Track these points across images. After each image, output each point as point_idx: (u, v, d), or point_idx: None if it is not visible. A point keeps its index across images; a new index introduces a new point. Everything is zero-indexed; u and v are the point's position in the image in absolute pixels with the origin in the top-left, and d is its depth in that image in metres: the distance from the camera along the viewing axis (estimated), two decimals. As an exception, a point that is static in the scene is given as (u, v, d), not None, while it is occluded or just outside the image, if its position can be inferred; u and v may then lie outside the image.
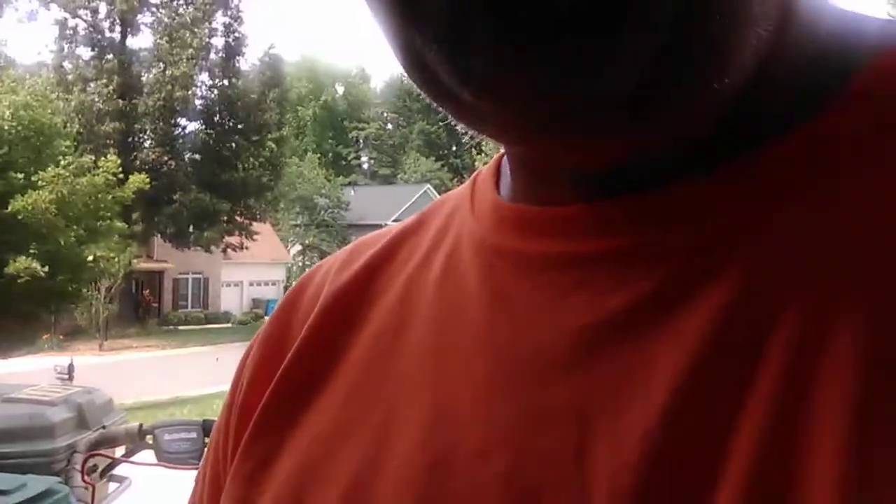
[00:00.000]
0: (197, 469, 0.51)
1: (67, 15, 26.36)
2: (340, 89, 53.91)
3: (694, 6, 0.28)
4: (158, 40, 26.28)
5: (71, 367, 7.22)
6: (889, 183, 0.31)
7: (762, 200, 0.32)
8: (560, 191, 0.36)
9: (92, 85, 25.27)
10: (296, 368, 0.43)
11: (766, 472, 0.28)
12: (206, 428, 2.66)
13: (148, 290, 27.27)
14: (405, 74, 0.33)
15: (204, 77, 27.37)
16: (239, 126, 27.19)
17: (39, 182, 17.90)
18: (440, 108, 0.33)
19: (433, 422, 0.36)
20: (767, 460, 0.28)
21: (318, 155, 41.95)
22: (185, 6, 26.88)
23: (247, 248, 27.89)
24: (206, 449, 0.51)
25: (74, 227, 18.37)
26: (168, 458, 2.61)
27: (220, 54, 27.44)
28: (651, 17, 0.27)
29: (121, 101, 24.83)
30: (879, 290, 0.29)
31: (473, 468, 0.34)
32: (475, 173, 0.45)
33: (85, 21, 26.51)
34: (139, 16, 26.93)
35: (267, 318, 0.48)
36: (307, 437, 0.40)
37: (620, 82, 0.28)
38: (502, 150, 0.43)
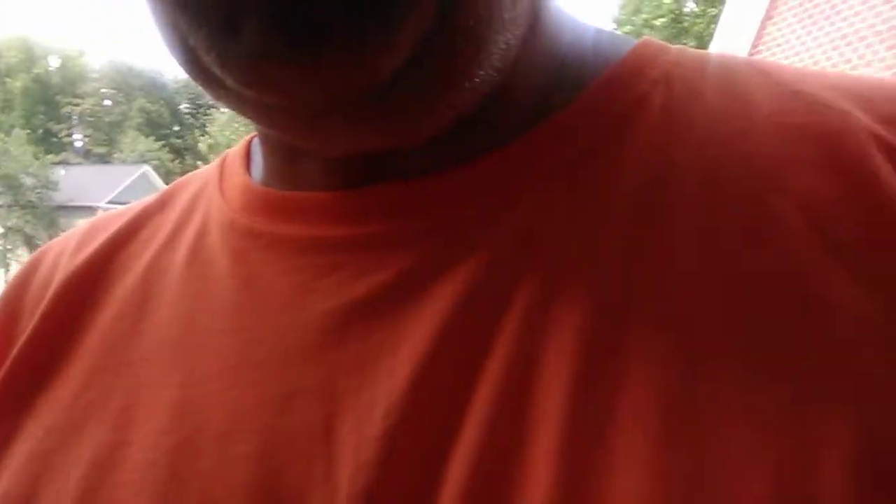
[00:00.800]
0: None
1: None
2: (56, 62, 49.95)
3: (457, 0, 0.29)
4: None
5: None
6: (607, 182, 0.33)
7: (505, 191, 0.34)
8: (312, 177, 0.37)
9: None
10: (29, 354, 0.40)
11: (497, 437, 0.30)
12: None
13: None
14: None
15: None
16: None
17: None
18: (203, 89, 0.32)
19: (178, 405, 0.35)
20: (498, 426, 0.30)
21: (27, 131, 38.60)
22: None
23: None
24: None
25: None
26: None
27: None
28: (422, 7, 0.28)
29: None
30: (599, 275, 0.31)
31: (219, 450, 0.33)
32: (224, 153, 0.45)
33: None
34: None
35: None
36: (42, 425, 0.38)
37: (386, 72, 0.29)
38: (252, 133, 0.44)
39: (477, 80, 0.31)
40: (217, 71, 0.29)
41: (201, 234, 0.41)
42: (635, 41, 0.38)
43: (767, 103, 0.35)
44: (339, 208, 0.36)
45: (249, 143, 0.44)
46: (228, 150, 0.45)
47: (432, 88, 0.30)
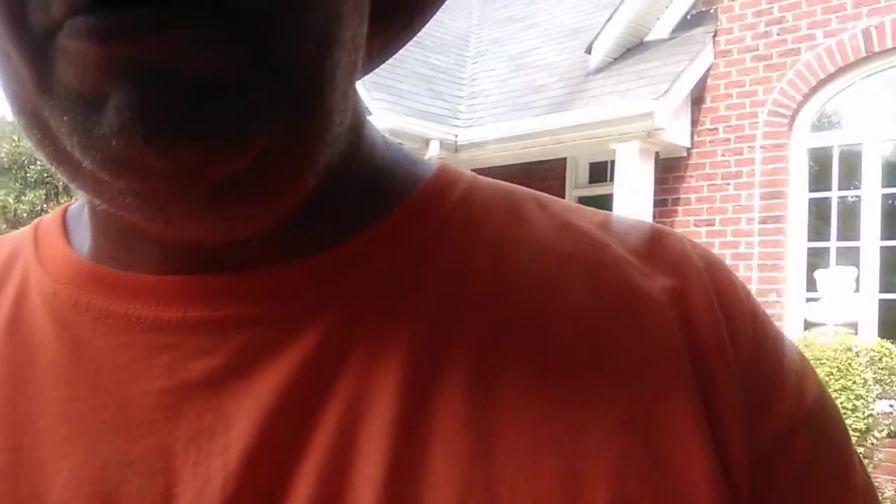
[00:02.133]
0: None
1: None
2: None
3: (301, 102, 0.33)
4: None
5: None
6: (416, 285, 0.39)
7: (330, 287, 0.38)
8: (145, 261, 0.39)
9: None
10: None
11: (324, 493, 0.34)
12: None
13: None
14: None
15: None
16: None
17: None
18: (58, 171, 0.34)
19: (10, 468, 0.36)
20: (326, 486, 0.34)
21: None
22: None
23: None
24: None
25: None
26: None
27: None
28: (271, 119, 0.32)
29: None
30: (406, 369, 0.36)
31: None
32: (36, 221, 0.46)
33: None
34: None
35: None
36: None
37: (231, 171, 0.32)
38: (65, 204, 0.46)
39: (305, 187, 0.36)
40: (77, 153, 0.31)
41: (18, 302, 0.41)
42: (435, 164, 0.45)
43: (544, 232, 0.43)
44: (171, 292, 0.38)
45: (64, 213, 0.45)
46: (40, 219, 0.46)
47: (268, 190, 0.34)
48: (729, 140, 6.43)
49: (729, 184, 6.40)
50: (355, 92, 0.40)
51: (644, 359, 0.38)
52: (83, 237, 0.42)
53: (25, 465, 0.36)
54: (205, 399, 0.36)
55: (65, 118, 0.31)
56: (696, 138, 6.58)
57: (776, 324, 0.45)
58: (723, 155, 6.45)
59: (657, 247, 0.43)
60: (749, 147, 6.33)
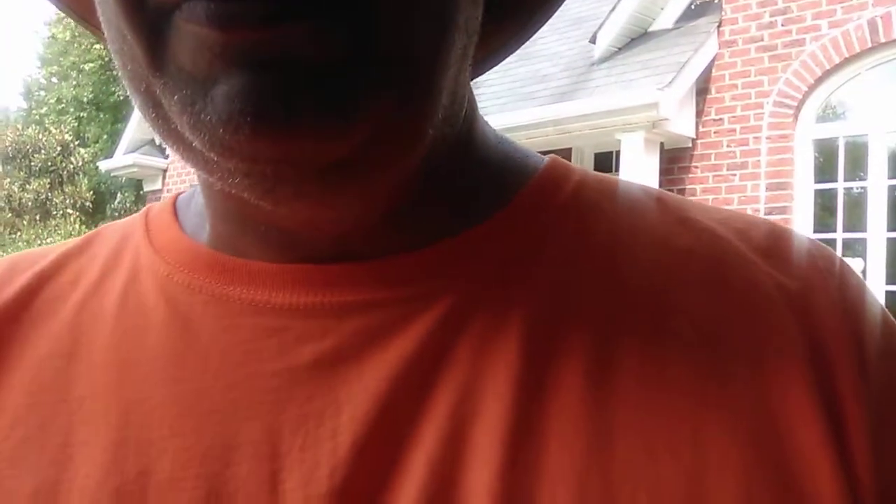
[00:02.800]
0: None
1: None
2: None
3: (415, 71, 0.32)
4: None
5: None
6: (527, 278, 0.38)
7: (441, 279, 0.38)
8: (259, 249, 0.40)
9: None
10: None
11: (436, 485, 0.34)
12: None
13: None
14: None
15: None
16: None
17: None
18: (170, 148, 0.35)
19: (119, 447, 0.37)
20: (437, 475, 0.34)
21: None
22: None
23: None
24: None
25: None
26: None
27: None
28: (382, 98, 0.31)
29: None
30: (520, 355, 0.36)
31: (167, 495, 0.35)
32: (146, 208, 0.47)
33: None
34: None
35: None
36: None
37: (340, 154, 0.32)
38: (175, 192, 0.47)
39: (411, 169, 0.36)
40: (186, 133, 0.32)
41: (131, 283, 0.42)
42: (546, 157, 0.44)
43: (661, 225, 0.42)
44: (285, 278, 0.38)
45: (174, 201, 0.46)
46: (150, 206, 0.47)
47: (374, 171, 0.34)
48: (734, 131, 6.41)
49: (734, 174, 6.38)
50: (468, 83, 0.40)
51: (767, 364, 0.37)
52: (197, 224, 0.43)
53: (133, 443, 0.37)
54: (314, 383, 0.36)
55: (175, 97, 0.31)
56: (701, 129, 6.55)
57: None
58: (728, 146, 6.43)
59: (782, 246, 0.41)
60: (755, 138, 6.30)
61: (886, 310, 0.41)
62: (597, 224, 0.41)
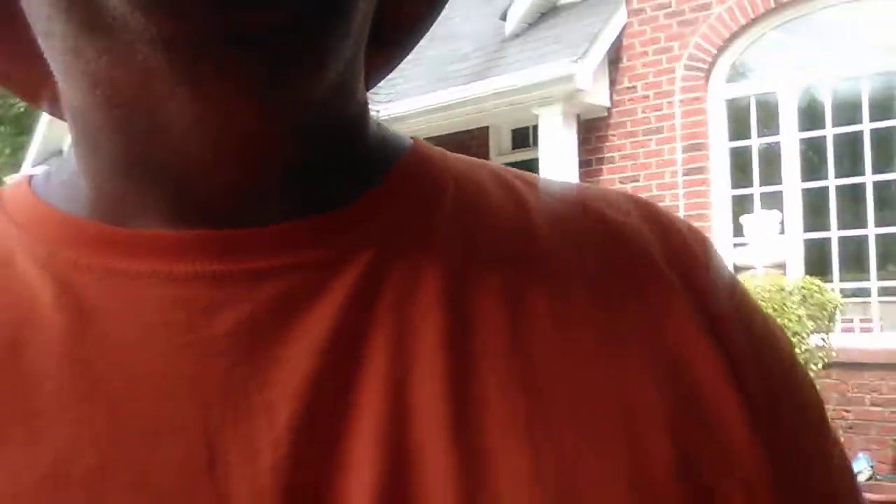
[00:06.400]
0: None
1: None
2: None
3: None
4: None
5: None
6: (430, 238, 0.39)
7: (351, 235, 0.37)
8: (154, 214, 0.37)
9: None
10: None
11: (389, 452, 0.32)
12: None
13: None
14: None
15: None
16: None
17: None
18: (82, 38, 0.32)
19: (28, 437, 0.33)
20: (387, 441, 0.33)
21: None
22: None
23: None
24: None
25: None
26: None
27: None
28: None
29: None
30: (446, 292, 0.36)
31: (92, 482, 0.32)
32: None
33: None
34: None
35: None
36: None
37: (295, 12, 0.31)
38: (18, 177, 0.43)
39: (330, 77, 0.35)
40: (122, 5, 0.30)
41: (2, 265, 0.37)
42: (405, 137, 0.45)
43: (531, 195, 0.43)
44: (185, 246, 0.36)
45: (29, 181, 0.42)
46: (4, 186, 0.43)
47: (302, 60, 0.33)
48: (648, 97, 6.52)
49: (650, 139, 6.49)
50: (363, 66, 0.40)
51: (659, 304, 0.39)
52: (68, 196, 0.39)
53: (43, 432, 0.33)
54: (233, 354, 0.34)
55: None
56: (615, 97, 6.65)
57: None
58: (643, 112, 6.54)
59: (642, 210, 0.44)
60: (668, 102, 6.43)
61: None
62: (477, 184, 0.42)
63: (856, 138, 5.97)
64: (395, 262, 0.37)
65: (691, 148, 6.31)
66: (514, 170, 0.46)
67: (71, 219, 0.38)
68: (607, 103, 6.64)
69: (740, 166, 6.38)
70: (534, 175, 0.46)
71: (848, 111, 6.00)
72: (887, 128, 5.87)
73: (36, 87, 0.42)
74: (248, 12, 0.30)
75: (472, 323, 0.36)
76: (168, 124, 0.33)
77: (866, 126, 5.90)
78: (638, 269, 0.40)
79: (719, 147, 6.36)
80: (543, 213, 0.42)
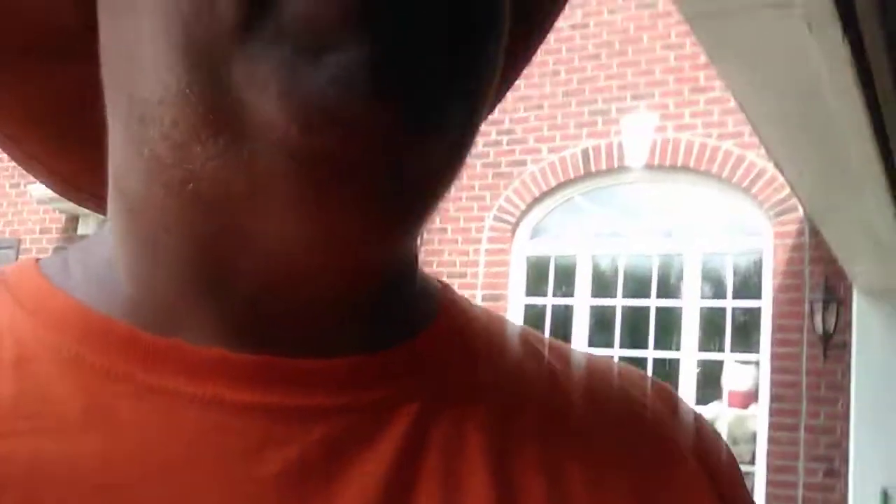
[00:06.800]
0: None
1: None
2: None
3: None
4: None
5: None
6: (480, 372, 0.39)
7: (408, 381, 0.36)
8: (202, 327, 0.34)
9: None
10: None
11: None
12: None
13: None
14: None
15: None
16: None
17: None
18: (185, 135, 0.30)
19: None
20: None
21: None
22: None
23: None
24: None
25: None
26: None
27: None
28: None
29: None
30: (490, 450, 0.35)
31: None
32: None
33: None
34: None
35: None
36: None
37: (443, 146, 0.31)
38: (23, 260, 0.38)
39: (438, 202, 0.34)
40: (266, 104, 0.28)
41: (22, 362, 0.33)
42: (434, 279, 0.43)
43: (535, 358, 0.43)
44: (235, 371, 0.33)
45: (37, 267, 0.37)
46: (2, 269, 0.38)
47: (423, 198, 0.32)
48: (457, 241, 6.64)
49: (454, 283, 6.53)
50: None
51: (661, 469, 0.40)
52: (93, 293, 0.35)
53: None
54: (281, 497, 0.32)
55: (270, 59, 0.28)
56: (425, 235, 6.72)
57: None
58: (449, 255, 6.66)
59: (628, 376, 0.45)
60: (475, 249, 6.58)
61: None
62: (503, 334, 0.43)
63: (644, 313, 6.26)
64: (441, 412, 0.36)
65: (491, 298, 6.44)
66: (529, 329, 0.46)
67: (100, 318, 0.34)
68: (416, 240, 6.71)
69: (534, 323, 6.54)
70: (553, 339, 0.46)
71: (638, 285, 6.29)
72: (668, 308, 6.20)
73: (74, 175, 0.42)
74: (417, 153, 0.30)
75: (515, 486, 0.35)
76: (262, 236, 0.31)
77: (653, 302, 6.20)
78: (663, 453, 0.40)
79: (516, 300, 6.51)
80: (572, 381, 0.42)
